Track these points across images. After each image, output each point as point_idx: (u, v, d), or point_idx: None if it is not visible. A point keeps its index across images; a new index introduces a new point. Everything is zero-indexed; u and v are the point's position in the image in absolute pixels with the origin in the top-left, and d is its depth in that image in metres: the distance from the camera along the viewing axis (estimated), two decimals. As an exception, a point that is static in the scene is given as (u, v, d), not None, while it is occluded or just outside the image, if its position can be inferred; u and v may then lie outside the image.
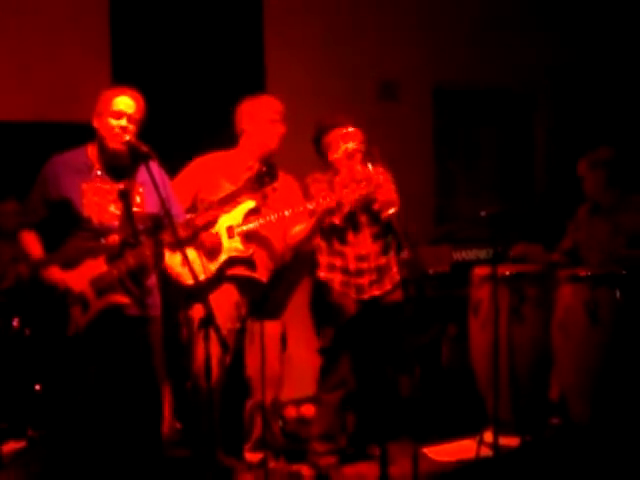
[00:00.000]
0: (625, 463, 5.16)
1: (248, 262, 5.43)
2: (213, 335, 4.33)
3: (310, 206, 5.38)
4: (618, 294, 5.46)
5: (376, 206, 5.46)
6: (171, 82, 6.89)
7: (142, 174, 4.78)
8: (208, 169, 5.53)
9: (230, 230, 5.35)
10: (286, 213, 5.33)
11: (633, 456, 5.19)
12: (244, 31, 7.32)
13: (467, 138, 8.64)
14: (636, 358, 5.39)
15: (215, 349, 4.44)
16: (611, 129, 8.15)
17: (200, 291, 4.91)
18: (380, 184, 5.46)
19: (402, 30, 8.07)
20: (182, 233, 4.80)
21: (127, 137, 4.71)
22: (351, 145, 5.56)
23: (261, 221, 5.36)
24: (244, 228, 5.36)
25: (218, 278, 5.37)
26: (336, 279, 5.65)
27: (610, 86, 8.46)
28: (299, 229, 5.52)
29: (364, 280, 5.65)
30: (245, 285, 5.44)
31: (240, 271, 5.42)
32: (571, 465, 5.29)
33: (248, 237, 5.39)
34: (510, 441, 5.63)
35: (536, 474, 5.33)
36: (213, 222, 5.16)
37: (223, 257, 5.36)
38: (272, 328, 5.46)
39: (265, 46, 7.44)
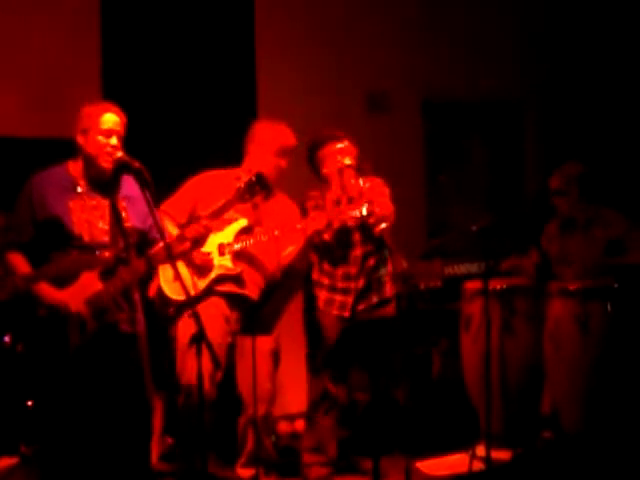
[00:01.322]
0: (618, 474, 5.17)
1: (237, 279, 5.43)
2: (204, 351, 4.34)
3: (299, 226, 5.38)
4: (609, 307, 5.48)
5: (371, 220, 5.46)
6: (161, 96, 6.88)
7: (124, 189, 4.78)
8: (207, 186, 5.52)
9: (221, 248, 5.36)
10: (276, 233, 5.32)
11: (626, 467, 5.19)
12: (235, 44, 7.32)
13: (457, 150, 8.64)
14: (627, 370, 5.41)
15: (206, 364, 4.45)
16: (600, 139, 8.18)
17: (188, 306, 4.91)
18: (372, 199, 5.46)
19: (391, 42, 8.07)
20: (177, 247, 4.79)
21: (119, 154, 4.70)
22: (346, 160, 5.56)
23: (252, 241, 5.36)
24: (235, 247, 5.37)
25: (206, 294, 5.37)
26: (321, 297, 5.68)
27: (598, 96, 8.48)
28: (290, 250, 5.52)
29: (349, 299, 5.65)
30: (234, 301, 5.45)
31: (229, 288, 5.42)
32: (564, 478, 5.30)
33: (238, 256, 5.40)
34: (502, 454, 5.63)
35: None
36: (205, 235, 5.14)
37: (213, 275, 5.37)
38: (263, 344, 5.44)
39: (256, 58, 7.44)
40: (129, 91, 6.55)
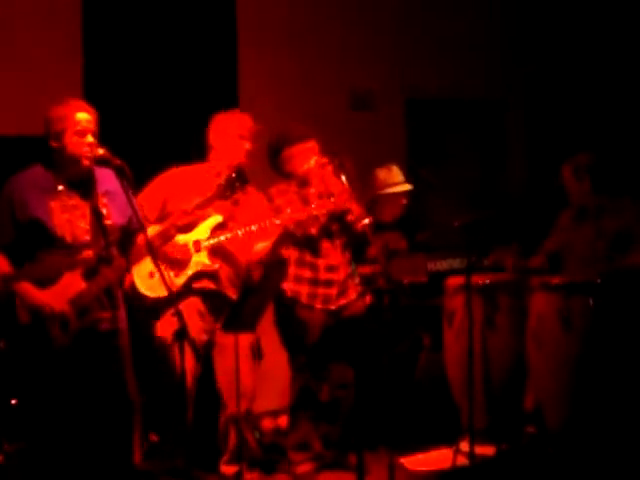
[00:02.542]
0: (601, 470, 5.18)
1: (213, 276, 5.42)
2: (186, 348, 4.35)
3: (277, 221, 5.37)
4: (591, 302, 5.48)
5: (350, 217, 5.49)
6: (143, 93, 6.87)
7: (102, 185, 4.77)
8: (177, 182, 5.53)
9: (197, 244, 5.36)
10: (253, 228, 5.32)
11: (608, 463, 5.20)
12: (217, 42, 7.32)
13: (440, 147, 8.66)
14: (610, 366, 5.41)
15: (188, 362, 4.45)
16: (583, 134, 8.19)
17: (167, 304, 4.91)
18: (353, 196, 5.48)
19: (375, 41, 8.09)
20: (157, 242, 4.80)
21: (101, 151, 4.68)
22: (321, 158, 5.57)
23: (228, 235, 5.35)
24: (211, 242, 5.36)
25: (185, 291, 5.36)
26: (303, 291, 5.69)
27: (581, 92, 8.50)
28: (262, 246, 5.50)
29: (333, 291, 5.69)
30: (211, 298, 5.44)
31: (206, 284, 5.42)
32: (547, 473, 5.31)
33: (214, 251, 5.39)
34: (486, 450, 5.64)
35: (512, 482, 5.36)
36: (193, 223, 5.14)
37: (190, 271, 5.36)
38: (241, 339, 5.43)
39: (238, 57, 7.44)
40: (111, 88, 6.55)
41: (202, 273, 5.39)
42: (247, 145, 5.59)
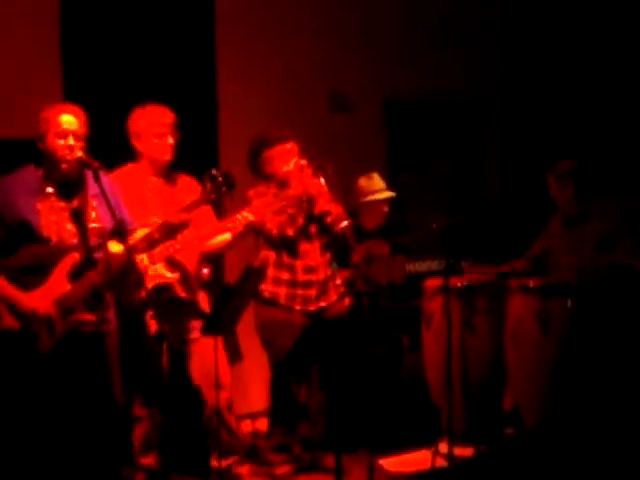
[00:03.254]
0: (578, 470, 5.20)
1: (170, 288, 5.30)
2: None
3: (239, 216, 5.25)
4: (569, 304, 5.51)
5: (329, 219, 5.50)
6: (122, 96, 6.84)
7: (92, 188, 4.73)
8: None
9: (151, 256, 5.07)
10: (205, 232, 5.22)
11: (586, 463, 5.23)
12: (196, 44, 7.30)
13: (418, 150, 8.68)
14: (587, 367, 5.44)
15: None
16: (560, 138, 8.23)
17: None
18: (332, 198, 5.50)
19: (353, 42, 8.09)
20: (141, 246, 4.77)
21: (79, 154, 4.68)
22: (300, 160, 5.58)
23: (178, 246, 5.10)
24: (166, 253, 5.09)
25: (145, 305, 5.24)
26: (281, 293, 5.69)
27: (559, 96, 8.54)
28: (222, 239, 5.38)
29: (312, 292, 5.70)
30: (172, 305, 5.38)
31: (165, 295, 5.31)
32: (525, 475, 5.33)
33: (170, 262, 5.21)
34: (465, 451, 5.67)
35: (491, 484, 5.38)
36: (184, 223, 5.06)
37: (149, 285, 5.14)
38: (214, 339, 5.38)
39: (217, 58, 7.42)
40: (90, 89, 6.53)
41: (162, 285, 5.23)
42: (169, 140, 5.40)
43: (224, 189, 4.94)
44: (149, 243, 4.81)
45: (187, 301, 5.40)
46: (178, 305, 5.36)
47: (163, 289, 5.25)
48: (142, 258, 5.02)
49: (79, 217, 4.76)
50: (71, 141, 4.70)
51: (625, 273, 5.71)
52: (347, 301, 5.89)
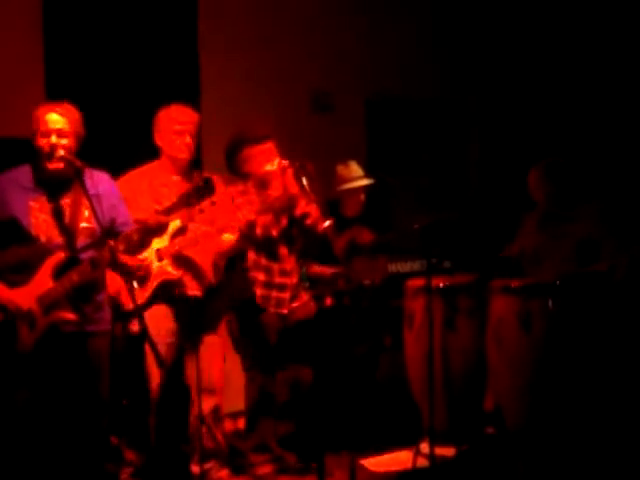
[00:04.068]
0: (559, 470, 5.22)
1: (178, 284, 5.36)
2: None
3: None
4: (550, 304, 5.52)
5: (309, 221, 5.50)
6: (104, 94, 6.83)
7: (91, 186, 4.75)
8: (131, 186, 5.42)
9: (159, 253, 5.23)
10: (208, 229, 5.25)
11: (567, 464, 5.25)
12: (178, 42, 7.29)
13: (400, 149, 8.68)
14: (569, 367, 5.45)
15: (153, 367, 4.44)
16: (544, 137, 8.26)
17: (134, 315, 4.91)
18: (313, 199, 5.49)
19: (335, 40, 8.09)
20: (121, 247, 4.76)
21: (61, 152, 4.69)
22: (283, 160, 5.58)
23: (188, 240, 5.23)
24: (173, 250, 5.24)
25: (152, 302, 5.31)
26: (257, 293, 5.71)
27: (543, 95, 8.57)
28: (229, 237, 5.44)
29: (286, 295, 5.71)
30: (176, 303, 5.38)
31: (171, 292, 5.36)
32: (507, 474, 5.34)
33: (177, 259, 5.30)
34: (446, 451, 5.67)
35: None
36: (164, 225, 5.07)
37: (155, 282, 5.28)
38: (212, 337, 5.44)
39: (199, 57, 7.41)
40: (73, 89, 6.51)
41: (167, 282, 5.31)
42: (186, 139, 5.50)
43: (204, 193, 4.92)
44: (127, 244, 4.78)
45: (197, 300, 5.41)
46: (187, 303, 5.38)
47: (169, 286, 5.28)
48: (147, 256, 5.13)
49: (59, 216, 4.77)
50: (54, 140, 4.72)
51: (600, 276, 5.73)
52: (328, 301, 5.90)
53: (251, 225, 5.45)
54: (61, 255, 4.73)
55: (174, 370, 5.47)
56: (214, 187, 4.98)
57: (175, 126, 5.49)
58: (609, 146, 7.96)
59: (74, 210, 4.82)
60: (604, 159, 7.78)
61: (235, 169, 5.74)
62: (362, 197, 6.87)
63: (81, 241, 4.82)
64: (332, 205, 6.68)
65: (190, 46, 7.36)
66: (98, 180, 4.82)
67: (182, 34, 7.31)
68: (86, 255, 4.74)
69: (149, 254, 5.19)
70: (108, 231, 4.69)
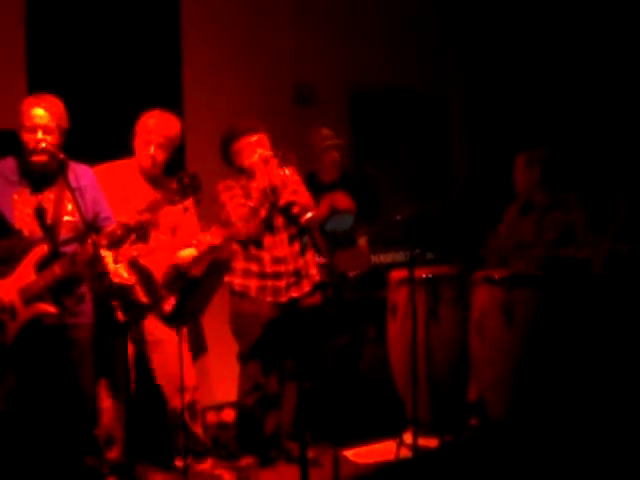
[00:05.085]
0: (542, 462, 5.23)
1: (130, 290, 5.30)
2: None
3: (194, 241, 5.32)
4: (533, 295, 5.54)
5: (295, 210, 5.50)
6: (87, 90, 6.81)
7: (74, 180, 4.76)
8: (105, 179, 5.35)
9: (116, 255, 5.09)
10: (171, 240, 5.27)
11: (549, 455, 5.26)
12: (160, 37, 7.28)
13: (384, 141, 8.69)
14: (551, 359, 5.47)
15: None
16: (528, 129, 8.28)
17: None
18: (296, 189, 5.50)
19: (318, 35, 8.09)
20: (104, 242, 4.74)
21: (43, 145, 4.69)
22: (265, 151, 5.58)
23: (143, 249, 5.15)
24: (130, 255, 5.15)
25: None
26: (252, 285, 5.69)
27: (524, 86, 8.59)
28: (188, 253, 5.41)
29: (282, 283, 5.69)
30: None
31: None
32: (490, 465, 5.35)
33: (132, 264, 5.25)
34: (429, 442, 5.69)
35: (455, 474, 5.37)
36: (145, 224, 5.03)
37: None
38: (173, 336, 5.33)
39: (182, 50, 7.40)
40: (55, 83, 6.49)
41: (119, 285, 5.12)
42: (151, 150, 5.45)
43: (189, 191, 4.81)
44: (110, 240, 4.75)
45: (146, 306, 5.39)
46: (137, 307, 5.36)
47: (120, 289, 5.23)
48: (106, 256, 4.99)
49: (40, 211, 4.77)
50: (40, 135, 4.74)
51: (581, 267, 5.76)
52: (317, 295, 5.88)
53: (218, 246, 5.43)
54: (44, 248, 4.72)
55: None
56: (200, 185, 4.83)
57: (145, 134, 5.46)
58: (593, 137, 7.98)
59: (58, 204, 4.83)
60: (588, 150, 7.80)
61: (230, 163, 5.75)
62: (336, 155, 6.90)
63: (64, 234, 4.82)
64: (310, 177, 6.64)
65: (173, 40, 7.33)
66: (81, 174, 4.85)
67: (165, 28, 7.29)
68: (70, 248, 4.73)
69: (108, 254, 5.05)
70: (91, 225, 4.69)
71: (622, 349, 5.50)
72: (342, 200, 6.83)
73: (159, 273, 5.44)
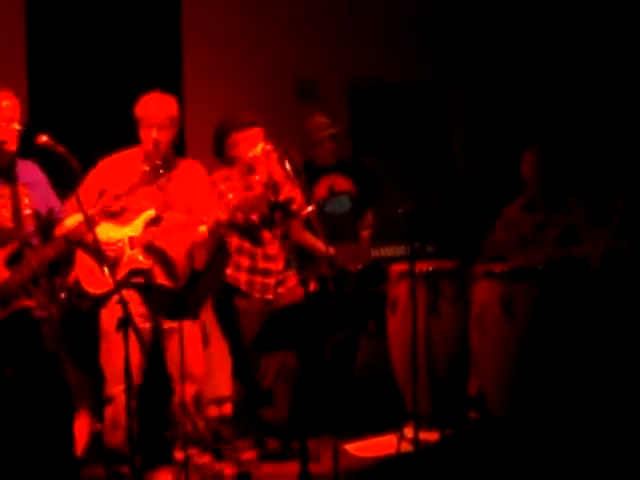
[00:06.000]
0: (542, 456, 5.24)
1: (148, 274, 5.31)
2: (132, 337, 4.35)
3: (205, 218, 5.29)
4: (533, 289, 5.54)
5: (295, 206, 5.50)
6: (86, 82, 6.83)
7: (23, 175, 4.80)
8: (110, 170, 5.38)
9: (132, 241, 5.21)
10: (183, 219, 5.25)
11: (550, 448, 5.27)
12: (162, 30, 7.29)
13: (385, 136, 8.69)
14: (551, 352, 5.48)
15: (134, 350, 4.44)
16: (529, 123, 8.28)
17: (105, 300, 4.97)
18: (297, 183, 5.49)
19: (319, 30, 8.10)
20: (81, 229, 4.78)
21: (44, 138, 4.66)
22: (267, 145, 5.58)
23: (160, 231, 5.22)
24: (145, 240, 5.22)
25: (121, 287, 5.24)
26: (241, 279, 5.70)
27: (524, 81, 8.59)
28: (203, 229, 5.35)
29: (270, 280, 5.70)
30: (145, 290, 5.35)
31: (138, 279, 5.31)
32: (490, 458, 5.35)
33: (148, 249, 5.26)
34: (430, 436, 5.68)
35: (456, 468, 5.37)
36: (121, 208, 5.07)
37: (124, 270, 5.22)
38: (191, 324, 5.39)
39: (183, 45, 7.41)
40: (55, 79, 6.51)
41: (137, 271, 5.25)
42: (153, 133, 5.35)
43: (160, 171, 5.06)
44: (89, 225, 4.73)
45: (167, 289, 5.38)
46: (156, 292, 5.35)
47: (138, 274, 5.27)
48: (124, 242, 5.16)
49: (16, 203, 4.79)
50: (17, 126, 4.72)
51: (580, 263, 5.76)
52: (311, 286, 5.88)
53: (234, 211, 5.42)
54: (15, 243, 4.72)
55: (155, 357, 5.46)
56: (171, 164, 5.11)
57: (145, 118, 5.38)
58: (592, 134, 7.98)
59: (15, 199, 4.81)
60: (587, 148, 7.81)
61: (222, 154, 5.74)
62: (332, 147, 6.87)
63: (28, 228, 4.82)
64: (307, 165, 6.62)
65: (174, 33, 7.35)
66: (29, 170, 4.86)
67: (166, 20, 7.31)
68: (35, 241, 4.78)
69: (123, 239, 5.19)
70: (48, 220, 4.80)
71: (622, 343, 5.51)
72: (341, 182, 6.79)
73: (179, 255, 5.41)
